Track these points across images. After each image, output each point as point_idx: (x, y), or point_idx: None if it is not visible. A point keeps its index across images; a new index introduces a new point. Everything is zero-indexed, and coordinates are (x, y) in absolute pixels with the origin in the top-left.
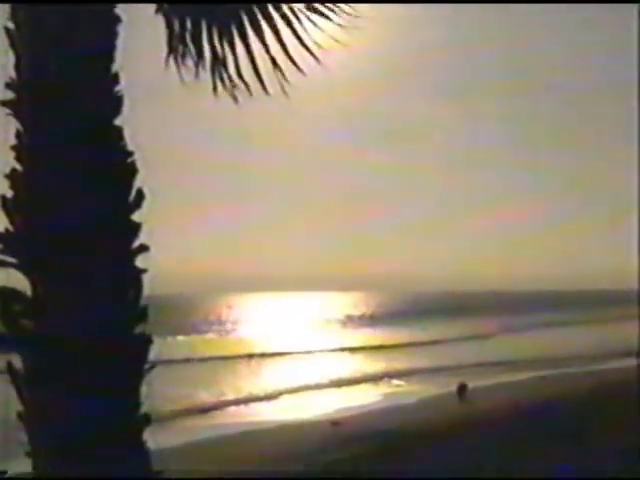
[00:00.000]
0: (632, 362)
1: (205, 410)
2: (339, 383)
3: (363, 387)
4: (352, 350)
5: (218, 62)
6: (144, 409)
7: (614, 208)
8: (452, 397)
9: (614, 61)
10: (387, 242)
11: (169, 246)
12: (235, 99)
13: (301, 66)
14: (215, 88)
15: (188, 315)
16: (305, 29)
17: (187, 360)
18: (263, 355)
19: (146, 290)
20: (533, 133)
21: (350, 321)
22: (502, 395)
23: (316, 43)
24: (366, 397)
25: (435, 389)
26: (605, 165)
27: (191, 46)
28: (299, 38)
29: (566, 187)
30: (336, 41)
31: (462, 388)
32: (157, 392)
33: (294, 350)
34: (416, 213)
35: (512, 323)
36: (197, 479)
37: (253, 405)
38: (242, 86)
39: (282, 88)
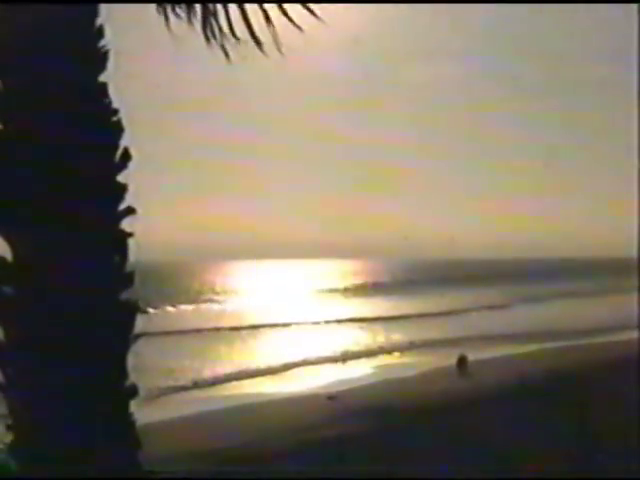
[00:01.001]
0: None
1: (199, 384)
2: (337, 355)
3: (360, 360)
4: (353, 321)
5: (209, 13)
6: (131, 380)
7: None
8: (451, 370)
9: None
10: (387, 209)
11: (165, 211)
12: (227, 54)
13: (298, 23)
14: (207, 39)
15: (185, 284)
16: None
17: (182, 332)
18: (261, 326)
19: (137, 256)
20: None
21: (353, 290)
22: (503, 368)
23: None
24: (363, 370)
25: (435, 362)
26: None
27: None
28: None
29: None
30: None
31: (462, 361)
32: (147, 364)
33: (291, 321)
34: (415, 180)
35: (523, 292)
36: (196, 479)
37: (247, 378)
38: (235, 41)
39: (277, 45)
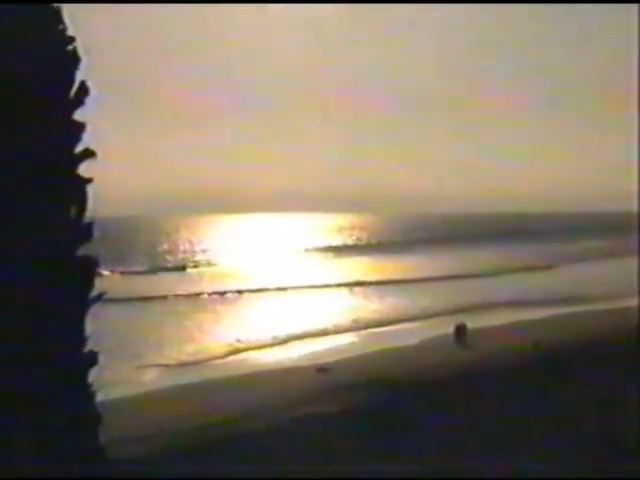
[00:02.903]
0: None
1: (175, 358)
2: (328, 324)
3: (351, 329)
4: (350, 285)
5: None
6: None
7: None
8: (449, 340)
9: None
10: (385, 162)
11: (132, 159)
12: None
13: None
14: None
15: (155, 241)
16: None
17: (149, 298)
18: (245, 291)
19: (98, 208)
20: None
21: (355, 249)
22: (505, 337)
23: None
24: (353, 341)
25: (432, 330)
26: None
27: None
28: None
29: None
30: None
31: (460, 330)
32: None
33: (277, 285)
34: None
35: (561, 251)
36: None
37: (223, 350)
38: None
39: None
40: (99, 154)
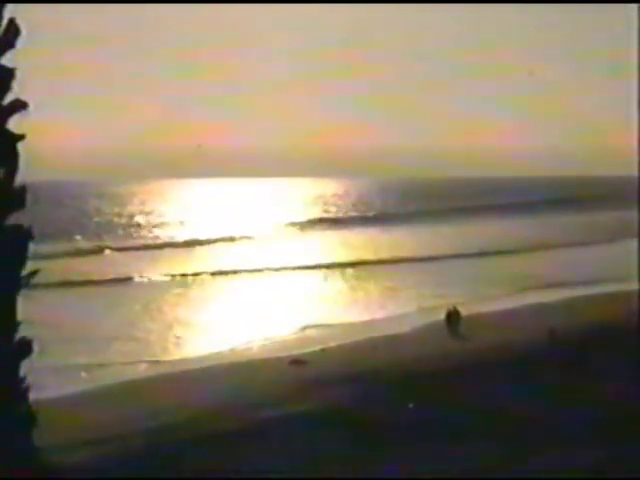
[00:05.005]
0: None
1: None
2: (305, 310)
3: (332, 315)
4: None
5: None
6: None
7: None
8: (440, 328)
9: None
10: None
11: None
12: None
13: None
14: None
15: (101, 212)
16: None
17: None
18: (203, 274)
19: (32, 172)
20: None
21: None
22: (502, 325)
23: None
24: (332, 330)
25: (422, 316)
26: None
27: None
28: None
29: None
30: None
31: (452, 316)
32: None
33: (256, 267)
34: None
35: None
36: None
37: (181, 339)
38: None
39: None
40: (32, 106)
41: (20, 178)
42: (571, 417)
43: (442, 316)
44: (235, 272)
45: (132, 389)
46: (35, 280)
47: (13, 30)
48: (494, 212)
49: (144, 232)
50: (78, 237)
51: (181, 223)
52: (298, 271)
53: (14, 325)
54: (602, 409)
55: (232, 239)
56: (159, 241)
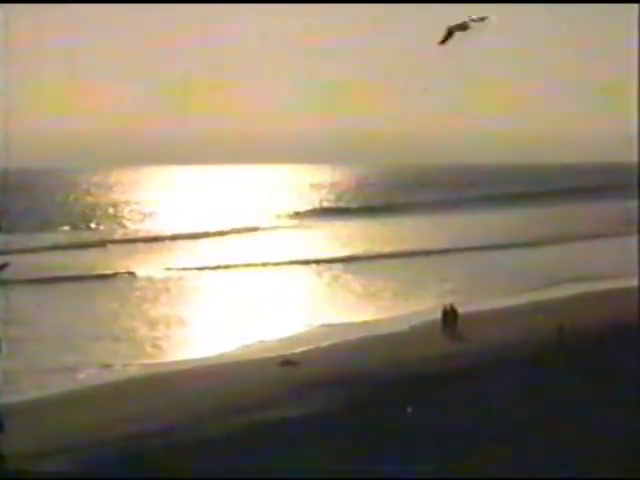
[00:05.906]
0: None
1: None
2: (297, 308)
3: (325, 314)
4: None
5: None
6: None
7: None
8: (436, 327)
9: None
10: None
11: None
12: None
13: None
14: None
15: (69, 202)
16: None
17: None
18: (191, 269)
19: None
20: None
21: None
22: (500, 323)
23: None
24: (325, 328)
25: (419, 315)
26: None
27: None
28: None
29: None
30: None
31: (449, 314)
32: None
33: (245, 261)
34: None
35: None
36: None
37: (175, 333)
38: None
39: None
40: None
41: None
42: (577, 423)
43: (438, 314)
44: (226, 267)
45: (111, 392)
46: (6, 276)
47: None
48: (497, 202)
49: (129, 224)
50: (54, 229)
51: (170, 214)
52: (293, 266)
53: None
54: (617, 415)
55: (220, 233)
56: (149, 234)
